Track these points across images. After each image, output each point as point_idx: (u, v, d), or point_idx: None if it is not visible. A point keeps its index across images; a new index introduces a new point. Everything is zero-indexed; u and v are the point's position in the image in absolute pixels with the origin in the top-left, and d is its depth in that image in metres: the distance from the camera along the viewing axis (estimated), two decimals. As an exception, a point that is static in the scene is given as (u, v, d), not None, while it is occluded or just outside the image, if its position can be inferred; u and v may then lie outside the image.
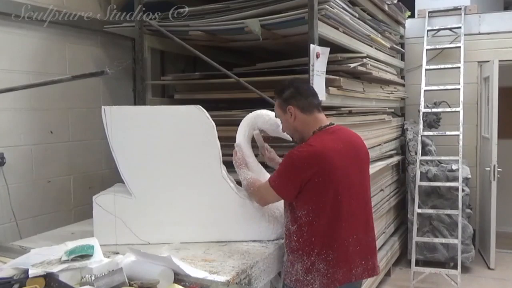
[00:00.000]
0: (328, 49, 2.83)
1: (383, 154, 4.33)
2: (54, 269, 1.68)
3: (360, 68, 3.28)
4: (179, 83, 3.57)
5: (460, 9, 5.09)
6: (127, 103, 3.54)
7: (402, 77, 5.24)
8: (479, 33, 5.08)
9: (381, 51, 4.23)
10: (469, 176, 4.64)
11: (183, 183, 2.27)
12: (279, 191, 2.07)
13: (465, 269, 4.54)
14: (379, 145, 4.17)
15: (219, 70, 2.97)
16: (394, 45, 4.70)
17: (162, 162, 2.25)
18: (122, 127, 2.22)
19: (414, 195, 4.58)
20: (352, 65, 3.16)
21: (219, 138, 2.30)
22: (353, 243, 2.06)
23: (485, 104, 4.98)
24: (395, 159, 4.71)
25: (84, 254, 1.77)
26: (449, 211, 4.45)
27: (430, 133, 4.78)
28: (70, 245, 1.91)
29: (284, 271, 2.16)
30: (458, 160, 4.48)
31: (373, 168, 3.83)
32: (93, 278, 1.66)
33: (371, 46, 3.90)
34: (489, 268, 4.69)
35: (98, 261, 1.76)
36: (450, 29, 5.15)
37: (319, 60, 2.74)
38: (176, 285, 1.67)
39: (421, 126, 4.72)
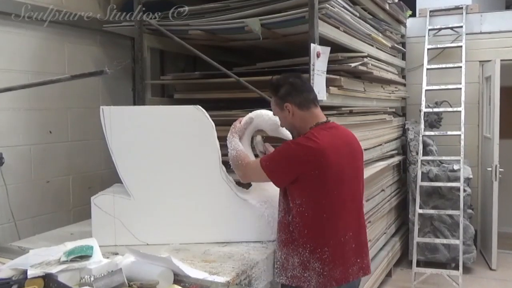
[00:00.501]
0: (328, 49, 2.82)
1: (384, 154, 4.32)
2: (53, 269, 1.68)
3: (361, 67, 3.28)
4: (178, 83, 3.56)
5: (462, 8, 5.08)
6: (126, 102, 3.53)
7: (403, 77, 5.23)
8: (481, 32, 5.06)
9: (382, 51, 4.22)
10: (471, 176, 4.63)
11: (182, 183, 2.25)
12: (271, 175, 2.06)
13: (466, 270, 4.53)
14: (380, 145, 4.16)
15: (219, 69, 2.96)
16: (395, 45, 4.69)
17: (161, 162, 2.24)
18: (120, 127, 2.21)
19: (415, 196, 4.57)
20: (353, 65, 3.16)
21: (219, 138, 2.30)
22: (349, 240, 2.06)
23: (487, 104, 4.96)
24: (396, 159, 4.71)
25: (83, 255, 1.78)
26: (450, 212, 4.44)
27: (432, 133, 4.76)
28: (69, 245, 1.91)
29: (277, 269, 2.11)
30: (460, 160, 4.47)
31: (374, 168, 3.82)
32: (92, 279, 1.66)
33: (372, 46, 3.89)
34: (490, 268, 4.67)
35: (97, 262, 1.76)
36: (451, 28, 5.13)
37: (319, 60, 2.73)
38: (175, 286, 1.67)
39: (422, 126, 4.71)
